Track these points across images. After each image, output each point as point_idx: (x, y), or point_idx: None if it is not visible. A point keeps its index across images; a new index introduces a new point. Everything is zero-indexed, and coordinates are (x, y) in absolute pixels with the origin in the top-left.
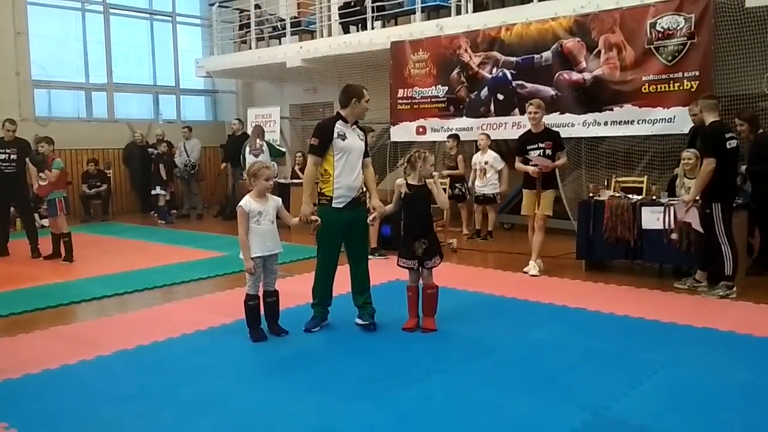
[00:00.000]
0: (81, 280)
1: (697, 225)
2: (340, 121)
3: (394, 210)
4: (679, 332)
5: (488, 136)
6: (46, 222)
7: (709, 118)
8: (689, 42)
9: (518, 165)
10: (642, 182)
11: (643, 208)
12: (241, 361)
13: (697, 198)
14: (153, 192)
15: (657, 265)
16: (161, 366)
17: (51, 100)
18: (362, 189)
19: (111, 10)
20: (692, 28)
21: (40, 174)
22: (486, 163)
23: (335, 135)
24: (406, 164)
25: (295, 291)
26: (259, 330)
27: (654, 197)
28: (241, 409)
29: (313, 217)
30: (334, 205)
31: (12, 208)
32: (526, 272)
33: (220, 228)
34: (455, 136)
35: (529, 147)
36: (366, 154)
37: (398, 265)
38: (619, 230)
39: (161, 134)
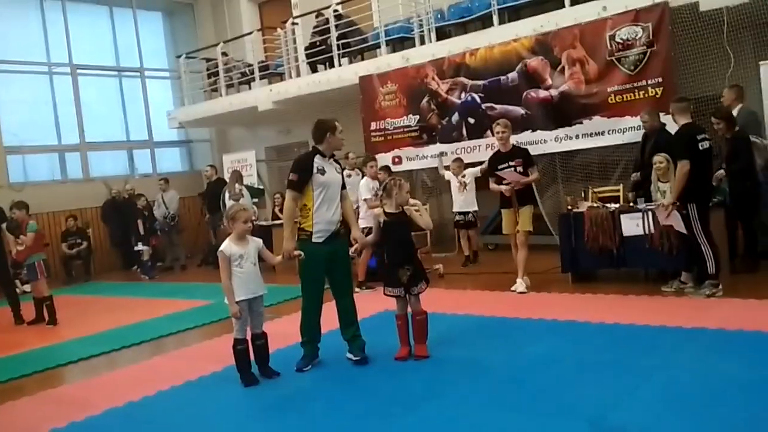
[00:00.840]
0: (67, 342)
1: (680, 227)
2: (318, 156)
3: (375, 240)
4: (670, 335)
5: (461, 160)
6: (28, 287)
7: (681, 120)
8: (649, 50)
9: (492, 186)
10: (618, 191)
11: (622, 216)
12: (233, 408)
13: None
14: (135, 248)
15: (642, 271)
16: (152, 422)
17: (25, 164)
18: (340, 222)
19: (78, 71)
20: (651, 37)
21: (17, 240)
22: (463, 176)
23: (315, 170)
24: (382, 193)
25: (284, 332)
26: (250, 374)
27: (631, 204)
28: None
29: (296, 252)
30: (314, 240)
31: None
32: (513, 290)
33: (204, 277)
34: (386, 168)
35: (500, 166)
36: (343, 186)
37: (385, 294)
38: (601, 240)
39: (131, 189)
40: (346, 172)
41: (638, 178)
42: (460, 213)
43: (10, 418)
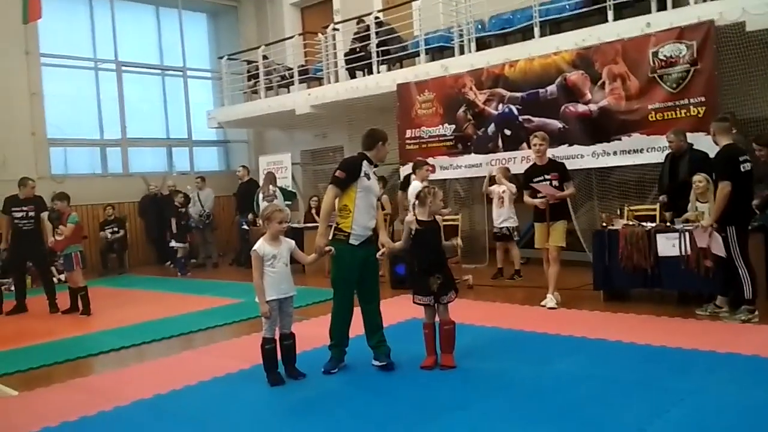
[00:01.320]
0: (98, 332)
1: (717, 250)
2: (365, 161)
3: (403, 247)
4: (703, 359)
5: (508, 169)
6: (63, 277)
7: (723, 140)
8: (693, 69)
9: (526, 199)
10: (655, 210)
11: (658, 236)
12: (259, 406)
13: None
14: (171, 244)
15: (676, 293)
16: (179, 415)
17: (66, 157)
18: (373, 230)
19: (123, 68)
20: (694, 55)
21: (56, 230)
22: (503, 191)
23: (362, 173)
24: (415, 201)
25: (312, 334)
26: (277, 374)
27: (668, 224)
28: None
29: (327, 248)
30: (350, 242)
31: (30, 265)
32: (543, 305)
33: (236, 275)
34: (381, 179)
35: (535, 179)
36: (378, 198)
37: (414, 302)
38: (636, 259)
39: (173, 185)
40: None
41: (666, 200)
42: (497, 226)
43: (41, 404)
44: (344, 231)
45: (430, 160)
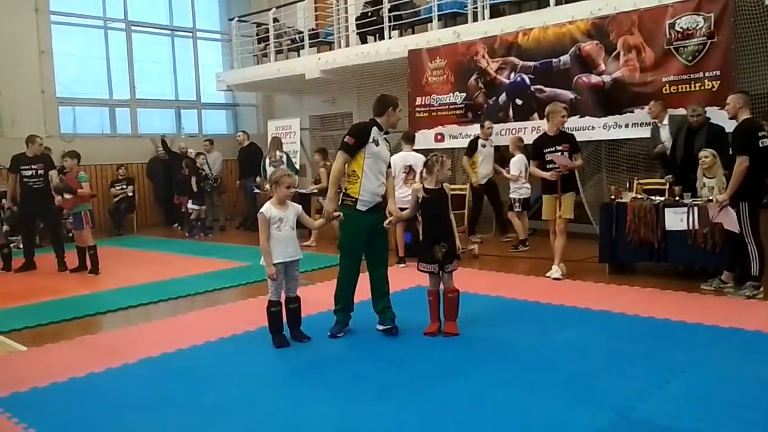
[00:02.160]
0: (106, 291)
1: (730, 225)
2: (375, 128)
3: (411, 215)
4: (706, 333)
5: (521, 139)
6: (72, 236)
7: (743, 114)
8: (709, 41)
9: (534, 170)
10: (664, 184)
11: (666, 210)
12: (264, 367)
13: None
14: (189, 205)
15: (681, 267)
16: (186, 373)
17: (76, 116)
18: (383, 196)
19: (133, 28)
20: (712, 28)
21: (61, 195)
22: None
23: (371, 139)
24: (423, 169)
25: (317, 299)
26: (282, 336)
27: (677, 198)
28: (265, 413)
29: (336, 213)
30: (358, 207)
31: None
32: (548, 276)
33: (243, 239)
34: (321, 150)
35: (546, 150)
36: (388, 165)
37: (419, 269)
38: (643, 232)
39: (185, 147)
40: (480, 141)
41: (672, 179)
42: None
43: (50, 359)
44: (352, 197)
45: (438, 129)
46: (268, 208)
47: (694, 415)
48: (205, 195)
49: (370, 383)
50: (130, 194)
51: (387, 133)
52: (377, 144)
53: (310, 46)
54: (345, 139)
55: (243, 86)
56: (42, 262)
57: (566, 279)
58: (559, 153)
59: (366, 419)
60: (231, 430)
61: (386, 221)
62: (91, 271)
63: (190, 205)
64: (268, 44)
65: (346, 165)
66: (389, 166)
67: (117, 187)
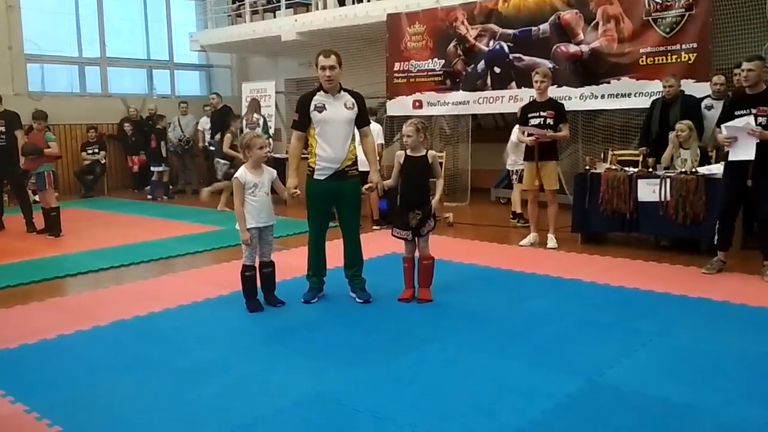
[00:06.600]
0: (77, 253)
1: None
2: (320, 92)
3: (393, 185)
4: (674, 302)
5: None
6: (37, 198)
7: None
8: (687, 13)
9: (519, 136)
10: (638, 155)
11: (639, 181)
12: (238, 331)
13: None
14: (152, 168)
15: (652, 237)
16: (158, 336)
17: (44, 74)
18: (352, 161)
19: None
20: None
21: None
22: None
23: (312, 107)
24: (405, 136)
25: (291, 264)
26: (256, 301)
27: (650, 169)
28: (239, 376)
29: (294, 190)
30: (315, 177)
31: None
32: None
33: (216, 203)
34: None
35: (530, 115)
36: (362, 123)
37: (393, 235)
38: (615, 203)
39: (154, 109)
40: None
41: (646, 152)
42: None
43: (20, 320)
44: (310, 167)
45: (417, 95)
46: (242, 173)
47: (661, 382)
48: (175, 158)
49: (344, 348)
50: (103, 162)
51: (350, 91)
52: (321, 110)
53: (286, 7)
54: (293, 117)
55: (217, 47)
56: (10, 222)
57: (539, 248)
58: (542, 119)
59: (339, 383)
60: (206, 392)
61: (365, 186)
62: (52, 233)
63: (153, 167)
64: (243, 4)
65: (301, 140)
66: (363, 125)
67: (88, 151)
